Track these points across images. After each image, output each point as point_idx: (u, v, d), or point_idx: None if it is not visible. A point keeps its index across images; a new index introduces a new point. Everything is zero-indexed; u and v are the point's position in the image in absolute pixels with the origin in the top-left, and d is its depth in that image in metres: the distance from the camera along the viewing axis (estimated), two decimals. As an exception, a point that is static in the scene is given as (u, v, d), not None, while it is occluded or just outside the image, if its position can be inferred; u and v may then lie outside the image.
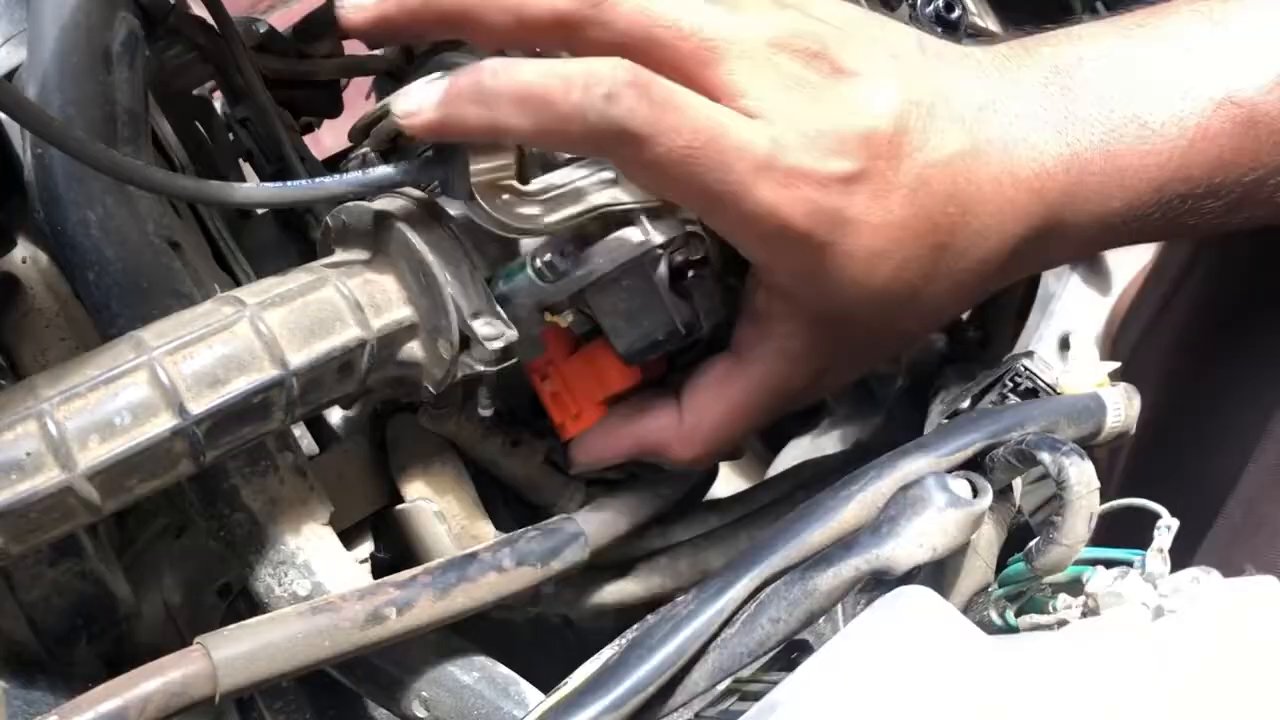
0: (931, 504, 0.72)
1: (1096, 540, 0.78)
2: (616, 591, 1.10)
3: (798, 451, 1.70)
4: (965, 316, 1.26)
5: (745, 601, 0.72)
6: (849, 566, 0.70)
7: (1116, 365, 0.90)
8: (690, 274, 1.04)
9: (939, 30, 1.18)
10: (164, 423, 0.80)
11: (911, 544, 0.70)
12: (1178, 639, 0.59)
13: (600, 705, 0.67)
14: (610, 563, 1.12)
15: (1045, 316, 1.69)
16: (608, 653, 0.78)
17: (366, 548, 1.04)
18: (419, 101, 0.84)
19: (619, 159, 0.88)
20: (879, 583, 0.73)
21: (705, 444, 1.01)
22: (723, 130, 0.84)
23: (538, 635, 1.21)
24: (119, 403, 0.80)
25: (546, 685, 1.21)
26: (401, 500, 1.06)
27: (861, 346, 1.00)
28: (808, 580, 0.71)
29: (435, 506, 1.02)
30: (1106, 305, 1.77)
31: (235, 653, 0.82)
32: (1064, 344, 1.76)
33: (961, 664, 0.63)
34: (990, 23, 1.58)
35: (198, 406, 0.81)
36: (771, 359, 0.98)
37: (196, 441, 0.82)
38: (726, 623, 0.72)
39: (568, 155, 0.98)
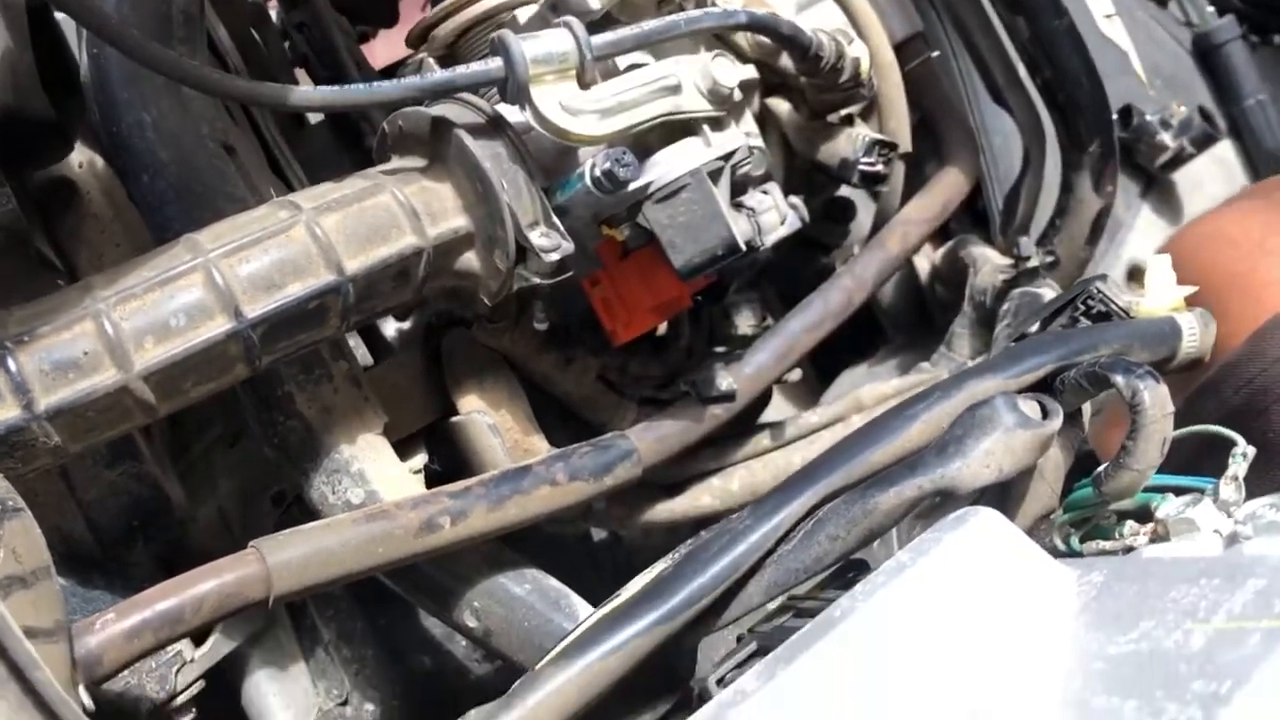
0: (1000, 424, 0.69)
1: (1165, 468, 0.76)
2: (667, 510, 1.09)
3: (852, 380, 1.67)
4: (1034, 240, 1.23)
5: (803, 518, 0.71)
6: (912, 486, 0.68)
7: (1193, 289, 0.87)
8: (751, 189, 1.02)
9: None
10: (219, 325, 0.80)
11: (978, 464, 0.68)
12: (1251, 564, 0.56)
13: (653, 616, 0.66)
14: (662, 481, 1.11)
15: (1114, 245, 1.64)
16: (661, 565, 0.77)
17: (420, 459, 1.03)
18: None
19: None
20: (941, 503, 0.71)
21: None
22: None
23: (588, 551, 1.21)
24: (175, 304, 0.79)
25: (596, 600, 1.22)
26: (455, 414, 1.05)
27: None
28: (868, 499, 0.69)
29: (489, 420, 1.02)
30: (1177, 235, 1.72)
31: (290, 557, 0.82)
32: (1132, 274, 1.72)
33: (1030, 587, 0.61)
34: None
35: (253, 310, 0.81)
36: None
37: (252, 345, 0.81)
38: (783, 538, 0.71)
39: (630, 62, 0.96)
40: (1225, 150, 1.85)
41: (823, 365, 1.77)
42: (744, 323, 1.23)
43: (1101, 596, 0.61)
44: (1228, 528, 0.68)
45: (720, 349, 1.22)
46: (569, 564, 1.19)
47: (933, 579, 0.63)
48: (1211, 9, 1.85)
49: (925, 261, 1.58)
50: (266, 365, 0.84)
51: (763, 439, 1.14)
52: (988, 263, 1.26)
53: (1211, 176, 1.83)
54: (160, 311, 0.79)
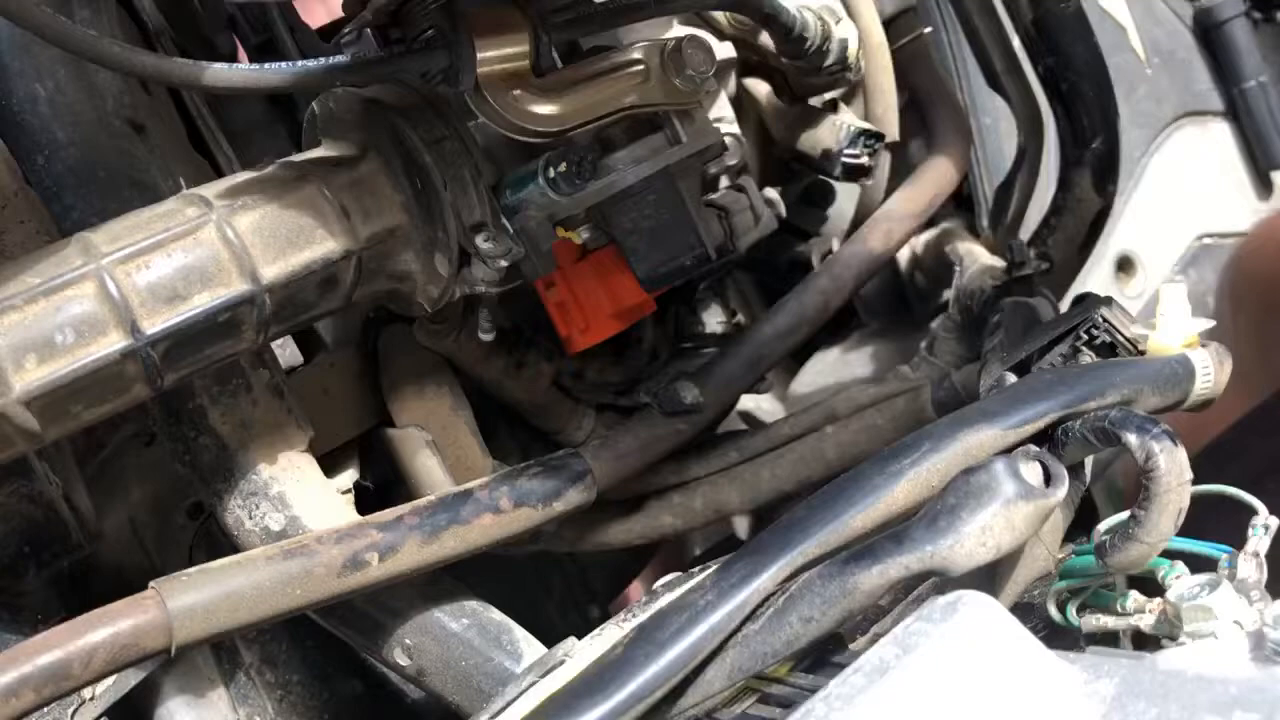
0: (999, 494, 0.61)
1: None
2: (623, 531, 1.01)
3: (824, 365, 1.58)
4: (1026, 241, 1.14)
5: (773, 593, 0.62)
6: (898, 564, 0.60)
7: (1211, 324, 0.78)
8: (725, 185, 0.93)
9: None
10: (113, 342, 0.70)
11: (973, 542, 0.60)
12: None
13: (601, 710, 0.58)
14: (618, 497, 1.02)
15: (1103, 235, 1.55)
16: (612, 631, 0.69)
17: (350, 476, 0.94)
18: None
19: None
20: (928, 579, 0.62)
21: None
22: None
23: (536, 570, 1.13)
24: (61, 318, 0.69)
25: (544, 621, 1.14)
26: (391, 421, 0.96)
27: None
28: (848, 576, 0.61)
29: (429, 434, 0.92)
30: (1172, 226, 1.64)
31: (194, 601, 0.72)
32: (1121, 264, 1.64)
33: (1031, 694, 0.53)
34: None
35: (153, 325, 0.71)
36: None
37: (152, 364, 0.71)
38: (750, 616, 0.62)
39: (593, 44, 0.85)
40: (1222, 133, 1.77)
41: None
42: (713, 319, 1.14)
43: (1112, 716, 0.53)
44: (1250, 619, 0.61)
45: (687, 345, 1.13)
46: (515, 584, 1.10)
47: (920, 683, 0.54)
48: (1215, -17, 1.75)
49: (906, 248, 1.49)
50: (171, 384, 0.74)
51: (729, 452, 1.06)
52: (976, 262, 1.17)
53: (1206, 162, 1.75)
54: (44, 326, 0.69)
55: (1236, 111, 1.75)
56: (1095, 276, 1.55)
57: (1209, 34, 1.74)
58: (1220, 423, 1.15)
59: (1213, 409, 0.80)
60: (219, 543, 0.94)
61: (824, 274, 1.08)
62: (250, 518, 0.83)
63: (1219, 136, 1.76)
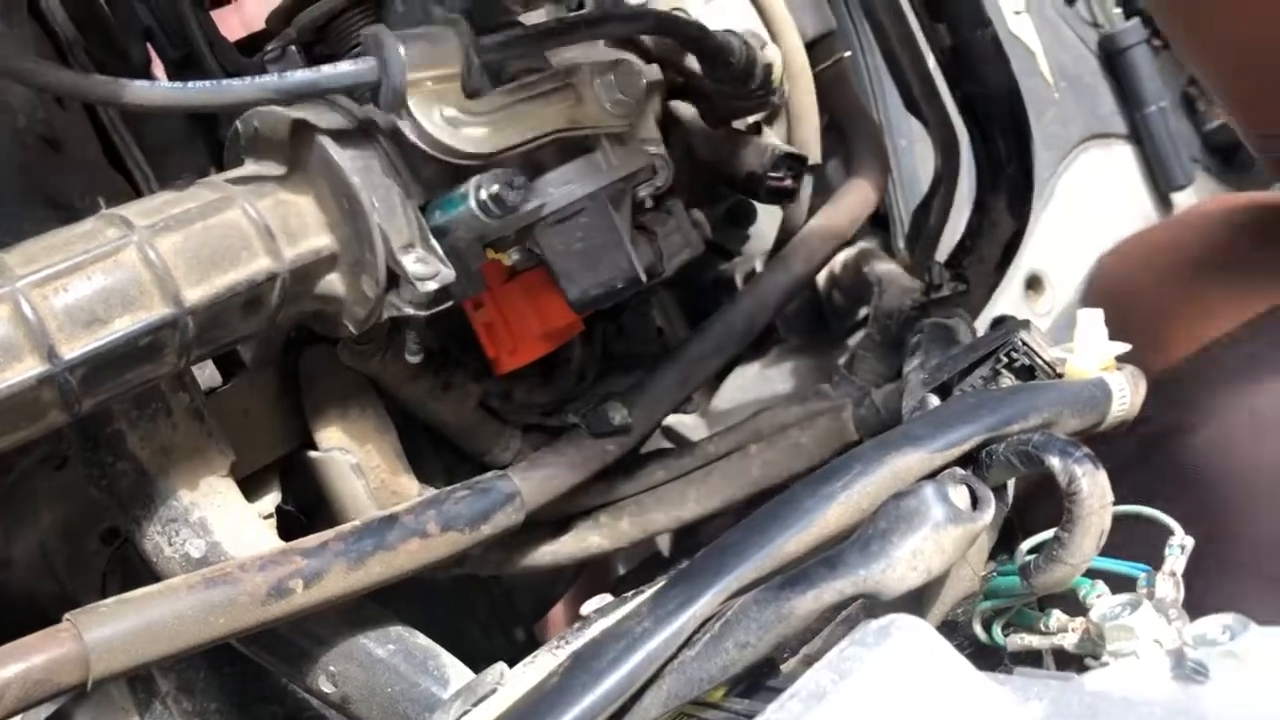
0: (928, 519, 0.62)
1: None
2: (550, 553, 1.00)
3: (744, 381, 1.60)
4: (942, 263, 1.16)
5: (709, 619, 0.62)
6: (831, 589, 0.61)
7: (1126, 347, 0.81)
8: (653, 208, 0.93)
9: None
10: (29, 368, 0.67)
11: (904, 566, 0.61)
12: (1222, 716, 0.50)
13: (534, 745, 0.57)
14: (544, 517, 1.02)
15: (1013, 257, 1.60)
16: (545, 658, 0.69)
17: (272, 500, 0.92)
18: None
19: None
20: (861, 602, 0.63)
21: None
22: None
23: (461, 593, 1.12)
24: (-27, 342, 0.67)
25: (470, 645, 1.12)
26: (314, 443, 0.94)
27: None
28: (783, 601, 0.61)
29: (353, 458, 0.91)
30: (1079, 245, 1.69)
31: (111, 634, 0.70)
32: (1030, 283, 1.68)
33: (963, 715, 0.54)
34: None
35: (71, 349, 0.68)
36: None
37: (70, 390, 0.69)
38: (686, 643, 0.62)
39: (523, 66, 0.85)
40: (1126, 156, 1.83)
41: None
42: (639, 339, 1.14)
43: (1042, 737, 0.54)
44: (1169, 638, 0.63)
45: (615, 365, 1.13)
46: (439, 608, 1.09)
47: (857, 708, 0.55)
48: (1118, 10, 1.81)
49: (824, 268, 1.51)
50: (89, 410, 0.72)
51: (655, 471, 1.06)
52: (894, 283, 1.20)
53: (1111, 183, 1.81)
54: (-46, 350, 0.66)
55: (1139, 135, 1.81)
56: (1005, 295, 1.59)
57: (1113, 60, 1.80)
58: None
59: None
60: (134, 569, 0.92)
61: (749, 293, 1.09)
62: (170, 544, 0.81)
63: (1122, 159, 1.82)
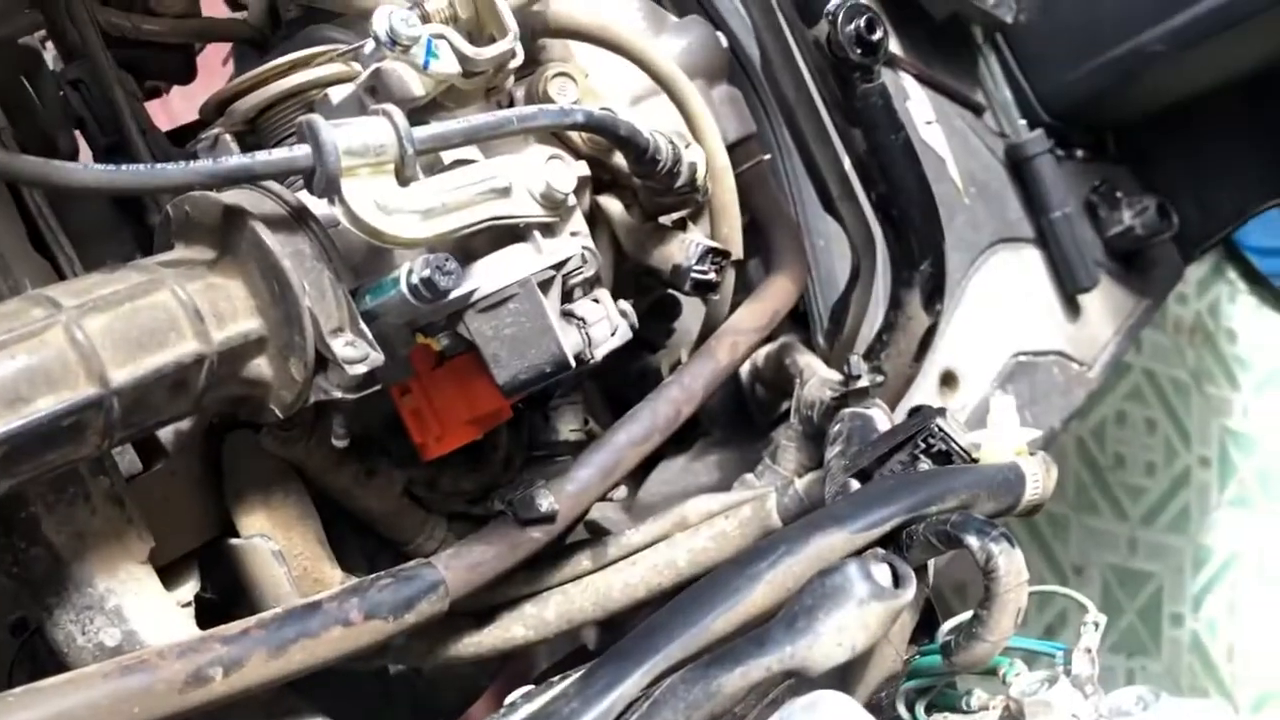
0: (852, 595, 0.64)
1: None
2: (474, 644, 0.99)
3: (669, 474, 1.61)
4: (861, 355, 1.19)
5: (636, 699, 0.63)
6: (759, 666, 0.61)
7: (1038, 434, 0.84)
8: (581, 297, 0.95)
9: (858, 52, 1.10)
10: (-55, 447, 0.66)
11: (830, 642, 0.62)
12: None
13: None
14: (467, 608, 1.01)
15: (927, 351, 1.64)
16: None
17: (191, 588, 0.90)
18: None
19: None
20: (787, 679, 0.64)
21: None
22: None
23: (382, 685, 1.10)
24: (-113, 420, 0.65)
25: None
26: (235, 531, 0.93)
27: None
28: (711, 679, 0.62)
29: (275, 545, 0.90)
30: (990, 344, 1.74)
31: (20, 724, 0.68)
32: (945, 379, 1.72)
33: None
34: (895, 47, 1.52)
35: (-10, 428, 0.67)
36: None
37: (-13, 469, 0.68)
38: (615, 722, 0.62)
39: (455, 158, 0.87)
40: (1034, 259, 1.90)
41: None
42: (565, 427, 1.15)
43: (967, 810, 0.55)
44: (1087, 712, 0.64)
45: (541, 453, 1.13)
46: (360, 700, 1.07)
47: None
48: (1023, 122, 1.90)
49: (747, 361, 1.53)
50: (4, 491, 0.71)
51: (581, 560, 1.06)
52: (814, 375, 1.22)
53: (1020, 285, 1.87)
54: None
55: (1045, 239, 1.88)
56: (921, 390, 1.63)
57: (1019, 168, 1.88)
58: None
59: None
60: (43, 663, 0.89)
61: (675, 383, 1.11)
62: (84, 633, 0.79)
63: (1030, 262, 1.89)
